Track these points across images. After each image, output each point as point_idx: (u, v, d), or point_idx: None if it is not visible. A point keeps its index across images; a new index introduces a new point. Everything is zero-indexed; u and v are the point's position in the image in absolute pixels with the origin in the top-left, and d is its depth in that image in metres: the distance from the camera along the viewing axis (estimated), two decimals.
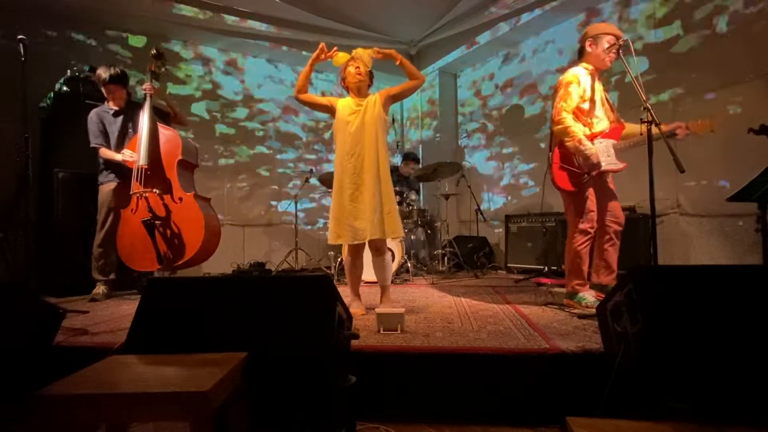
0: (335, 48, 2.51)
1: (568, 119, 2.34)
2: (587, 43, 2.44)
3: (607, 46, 2.36)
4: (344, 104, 2.52)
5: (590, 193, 2.39)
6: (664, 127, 2.11)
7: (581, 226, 2.38)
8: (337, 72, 2.62)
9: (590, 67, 2.45)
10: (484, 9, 4.72)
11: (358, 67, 2.49)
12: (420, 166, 4.91)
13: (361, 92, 2.53)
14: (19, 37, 2.86)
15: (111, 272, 3.23)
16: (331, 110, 2.55)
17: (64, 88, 3.61)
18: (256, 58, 5.39)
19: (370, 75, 2.59)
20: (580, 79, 2.38)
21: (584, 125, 2.42)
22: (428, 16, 5.07)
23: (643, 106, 2.08)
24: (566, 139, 2.35)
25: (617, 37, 2.36)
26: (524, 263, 4.33)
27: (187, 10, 4.44)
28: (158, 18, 4.39)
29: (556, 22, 4.59)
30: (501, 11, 4.63)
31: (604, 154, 2.35)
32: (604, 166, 2.34)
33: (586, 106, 2.40)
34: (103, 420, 1.06)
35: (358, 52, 2.51)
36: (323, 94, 5.36)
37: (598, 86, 2.47)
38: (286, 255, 4.82)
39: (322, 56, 2.47)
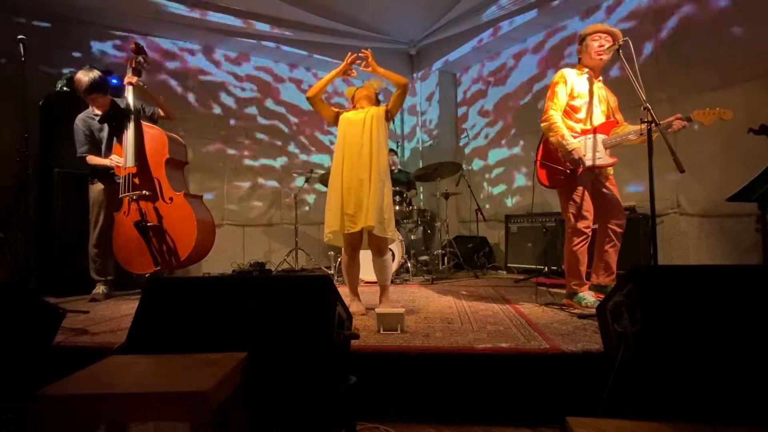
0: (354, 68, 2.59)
1: (554, 116, 2.40)
2: (578, 50, 2.51)
3: (596, 45, 2.39)
4: (349, 111, 2.63)
5: (585, 192, 2.38)
6: (662, 122, 2.12)
7: (577, 226, 2.38)
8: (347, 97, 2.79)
9: (584, 68, 2.49)
10: (484, 9, 4.73)
11: (366, 88, 2.67)
12: (397, 157, 5.05)
13: (366, 105, 2.63)
14: (19, 37, 2.86)
15: (109, 273, 3.22)
16: (335, 118, 2.62)
17: (65, 88, 3.61)
18: (257, 57, 5.39)
19: (377, 99, 2.70)
20: (566, 79, 2.44)
21: (576, 122, 2.45)
22: (428, 16, 5.08)
23: (643, 106, 2.08)
24: (550, 134, 2.41)
25: (609, 34, 2.38)
26: (524, 263, 4.33)
27: (188, 11, 4.44)
28: (159, 18, 4.39)
29: (555, 22, 4.59)
30: (501, 11, 4.63)
31: (592, 149, 2.36)
32: (593, 162, 2.36)
33: (576, 103, 2.44)
34: (103, 420, 1.06)
35: (370, 82, 2.72)
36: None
37: (597, 85, 2.48)
38: (286, 255, 4.82)
39: (351, 72, 2.59)
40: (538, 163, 2.53)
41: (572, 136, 2.39)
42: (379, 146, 2.45)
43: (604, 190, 2.45)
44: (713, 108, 2.20)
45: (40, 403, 0.94)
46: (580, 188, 2.38)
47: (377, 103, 2.69)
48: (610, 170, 2.50)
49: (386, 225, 2.42)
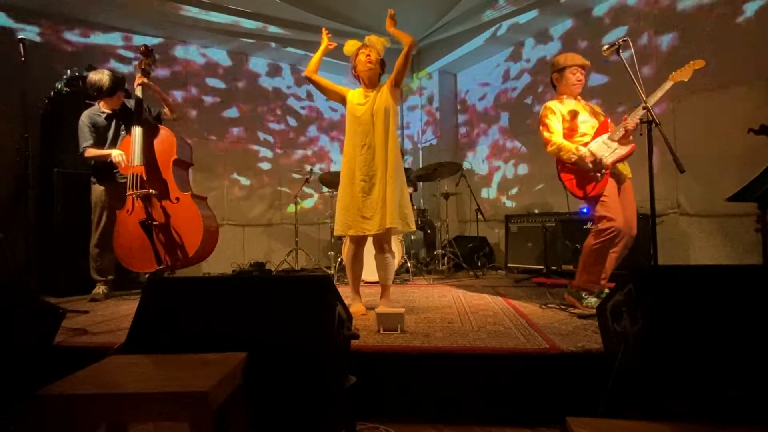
0: (329, 36, 2.56)
1: (556, 140, 2.49)
2: (554, 78, 2.61)
3: (573, 78, 2.52)
4: (354, 94, 2.50)
5: (613, 194, 2.37)
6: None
7: (600, 225, 2.35)
8: (348, 61, 2.54)
9: (563, 96, 2.59)
10: (484, 9, 4.73)
11: (369, 55, 2.44)
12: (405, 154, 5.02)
13: (371, 82, 2.48)
14: (19, 37, 2.87)
15: (109, 272, 3.23)
16: (341, 99, 2.52)
17: (65, 88, 3.61)
18: (256, 57, 5.39)
19: (382, 64, 2.52)
20: (554, 109, 2.55)
21: (581, 137, 2.51)
22: (428, 16, 5.07)
23: (643, 105, 2.08)
24: (562, 155, 2.46)
25: (584, 67, 2.53)
26: (524, 263, 4.33)
27: (188, 11, 4.44)
28: (159, 18, 4.39)
29: (555, 22, 4.59)
30: (501, 11, 4.63)
31: (604, 149, 2.37)
32: (611, 159, 2.35)
33: (569, 125, 2.54)
34: (103, 420, 1.06)
35: (371, 39, 2.49)
36: None
37: (579, 104, 2.57)
38: (286, 255, 4.82)
39: (330, 45, 2.55)
40: (569, 183, 2.50)
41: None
42: (391, 142, 2.40)
43: (622, 198, 2.44)
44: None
45: (40, 403, 0.94)
46: (609, 188, 2.37)
47: (381, 70, 2.51)
48: (629, 174, 2.50)
49: (408, 220, 2.43)
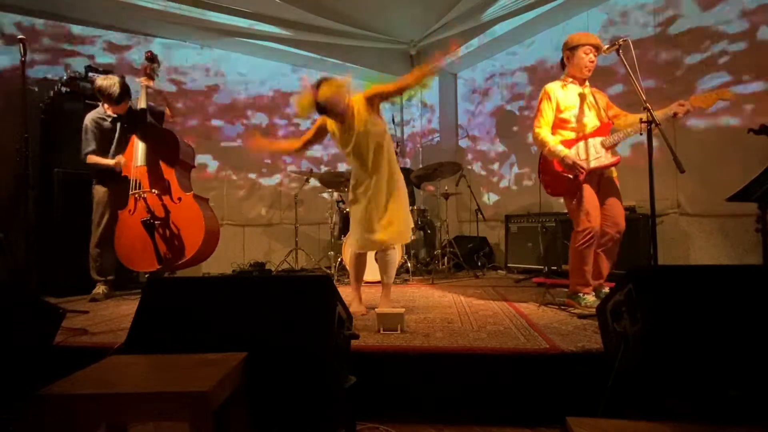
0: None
1: (540, 133, 2.48)
2: (565, 56, 2.53)
3: (586, 59, 2.43)
4: (332, 124, 2.40)
5: (587, 193, 2.39)
6: (659, 114, 2.14)
7: (580, 226, 2.39)
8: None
9: (568, 79, 2.53)
10: (484, 9, 4.72)
11: (331, 116, 2.31)
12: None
13: (343, 117, 2.34)
14: (19, 37, 2.86)
15: (109, 272, 3.23)
16: (327, 132, 2.47)
17: (65, 88, 3.61)
18: (255, 57, 5.38)
19: (344, 101, 2.28)
20: (551, 95, 2.50)
21: (570, 131, 2.49)
22: (428, 16, 5.07)
23: (642, 106, 2.08)
24: (543, 149, 2.49)
25: (594, 46, 2.43)
26: (524, 263, 4.33)
27: (188, 11, 4.44)
28: (159, 18, 4.39)
29: (555, 23, 4.59)
30: (501, 11, 4.63)
31: (592, 152, 2.40)
32: (592, 165, 2.39)
33: (565, 115, 2.49)
34: (103, 420, 1.06)
35: (327, 95, 2.18)
36: None
37: (585, 92, 2.51)
38: (286, 255, 4.82)
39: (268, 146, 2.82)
40: (541, 174, 2.59)
41: (568, 144, 2.45)
42: (385, 159, 2.40)
43: (607, 191, 2.45)
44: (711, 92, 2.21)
45: (40, 403, 0.94)
46: (584, 189, 2.39)
47: (346, 103, 2.29)
48: (614, 172, 2.50)
49: (407, 233, 2.47)
